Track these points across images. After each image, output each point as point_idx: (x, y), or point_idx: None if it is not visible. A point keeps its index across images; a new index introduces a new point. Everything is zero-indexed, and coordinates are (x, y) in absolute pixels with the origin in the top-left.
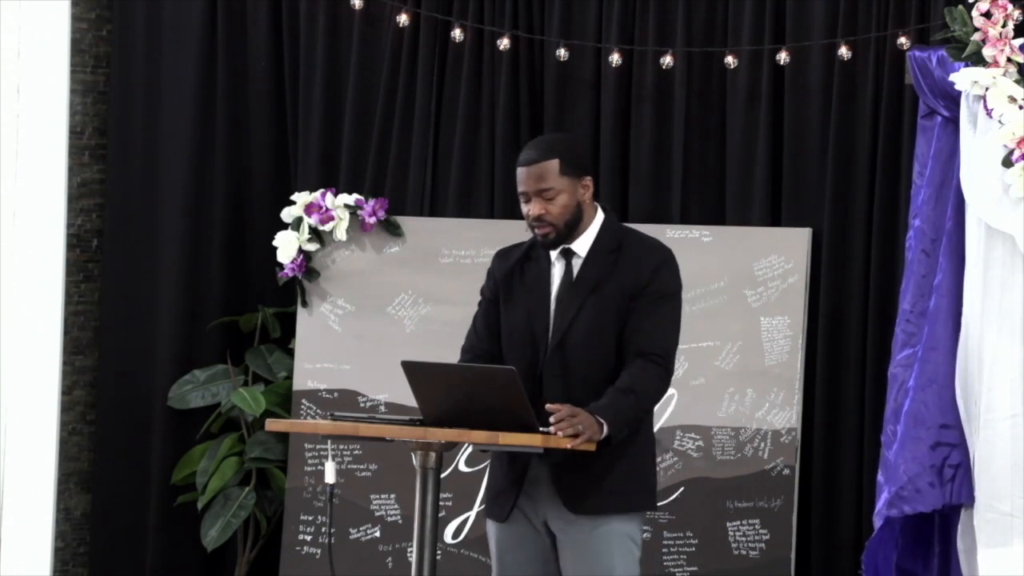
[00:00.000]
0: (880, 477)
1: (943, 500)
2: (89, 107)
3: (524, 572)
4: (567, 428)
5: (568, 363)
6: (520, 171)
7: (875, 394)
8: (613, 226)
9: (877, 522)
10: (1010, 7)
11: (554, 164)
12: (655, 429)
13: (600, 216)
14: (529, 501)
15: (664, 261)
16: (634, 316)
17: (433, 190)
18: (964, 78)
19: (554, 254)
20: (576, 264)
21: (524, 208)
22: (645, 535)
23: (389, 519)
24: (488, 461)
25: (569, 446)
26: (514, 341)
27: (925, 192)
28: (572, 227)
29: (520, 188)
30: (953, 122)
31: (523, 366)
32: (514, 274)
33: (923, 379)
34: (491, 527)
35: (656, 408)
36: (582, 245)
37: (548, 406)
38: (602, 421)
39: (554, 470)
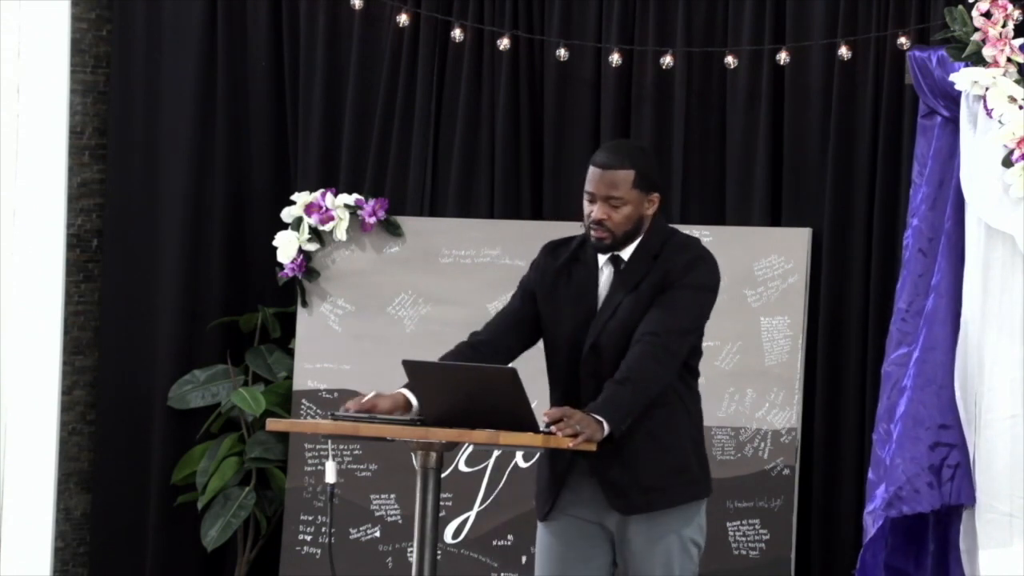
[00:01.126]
0: (871, 475)
1: (941, 500)
2: (89, 107)
3: (563, 570)
4: (565, 428)
5: (602, 363)
6: (593, 171)
7: (875, 394)
8: (659, 230)
9: (875, 522)
10: (1010, 7)
11: (629, 175)
12: None
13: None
14: (577, 501)
15: (697, 258)
16: (654, 304)
17: (433, 190)
18: (964, 78)
19: (602, 259)
20: (621, 268)
21: (587, 207)
22: None
23: (389, 519)
24: (488, 461)
25: (570, 446)
26: (558, 345)
27: (923, 191)
28: (629, 237)
29: (588, 187)
30: (953, 122)
31: (565, 369)
32: (560, 275)
33: (921, 379)
34: (539, 531)
35: None
36: (628, 251)
37: (544, 412)
38: (600, 419)
39: (595, 470)
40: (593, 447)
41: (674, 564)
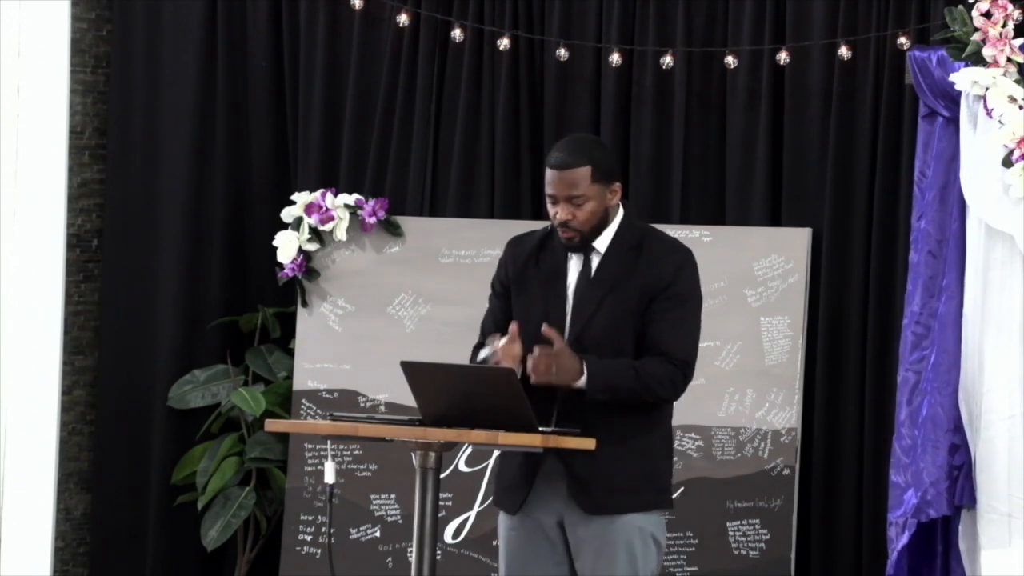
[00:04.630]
0: (896, 478)
1: (954, 502)
2: (89, 107)
3: (534, 570)
4: (542, 360)
5: None
6: (551, 173)
7: (875, 394)
8: (633, 223)
9: (906, 529)
10: (1010, 7)
11: (586, 171)
12: None
13: (620, 213)
14: (542, 499)
15: (685, 261)
16: (656, 318)
17: (433, 190)
18: (964, 78)
19: None
20: (595, 261)
21: (551, 209)
22: None
23: (389, 519)
24: (488, 461)
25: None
26: (529, 334)
27: (929, 194)
28: (597, 230)
29: (549, 190)
30: (953, 122)
31: None
32: (528, 264)
33: (938, 382)
34: (502, 519)
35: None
36: (602, 242)
37: (545, 329)
38: (583, 370)
39: (567, 467)
40: (578, 445)
41: (637, 559)
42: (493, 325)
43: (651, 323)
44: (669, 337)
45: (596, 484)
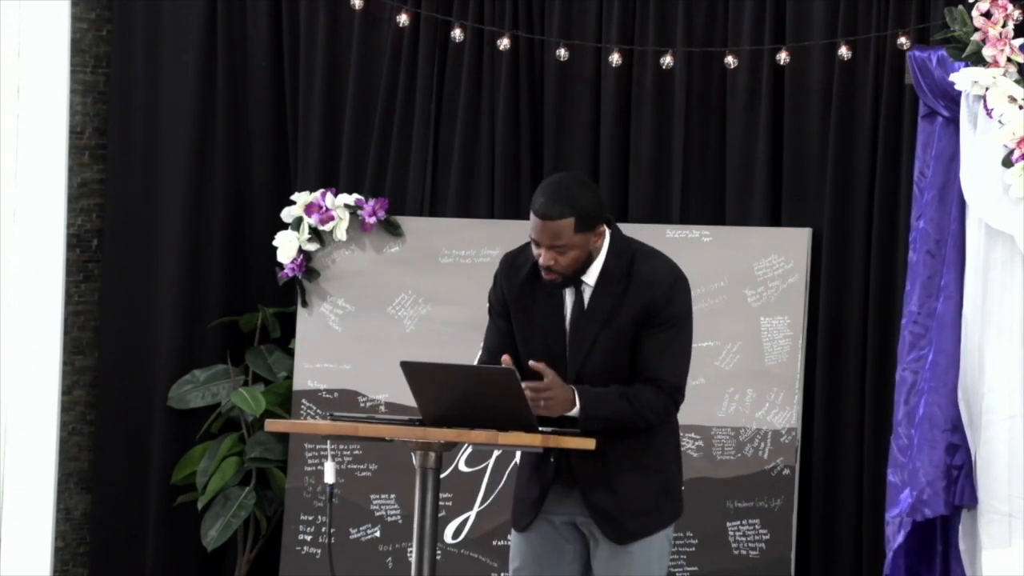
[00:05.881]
0: (893, 478)
1: (952, 502)
2: (89, 107)
3: (546, 571)
4: (537, 396)
5: None
6: (534, 219)
7: (875, 394)
8: (620, 247)
9: (901, 528)
10: (1010, 7)
11: (569, 223)
12: None
13: (607, 241)
14: (553, 504)
15: (674, 285)
16: (647, 343)
17: (433, 190)
18: (964, 78)
19: None
20: (586, 292)
21: (535, 250)
22: None
23: (389, 519)
24: (488, 461)
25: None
26: (529, 367)
27: (928, 194)
28: (581, 270)
29: (532, 234)
30: (953, 122)
31: None
32: (524, 292)
33: (935, 382)
34: (513, 534)
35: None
36: (591, 275)
37: (533, 364)
38: (576, 401)
39: (587, 501)
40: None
41: (653, 564)
42: (498, 344)
43: (642, 347)
44: (659, 363)
45: (620, 514)
